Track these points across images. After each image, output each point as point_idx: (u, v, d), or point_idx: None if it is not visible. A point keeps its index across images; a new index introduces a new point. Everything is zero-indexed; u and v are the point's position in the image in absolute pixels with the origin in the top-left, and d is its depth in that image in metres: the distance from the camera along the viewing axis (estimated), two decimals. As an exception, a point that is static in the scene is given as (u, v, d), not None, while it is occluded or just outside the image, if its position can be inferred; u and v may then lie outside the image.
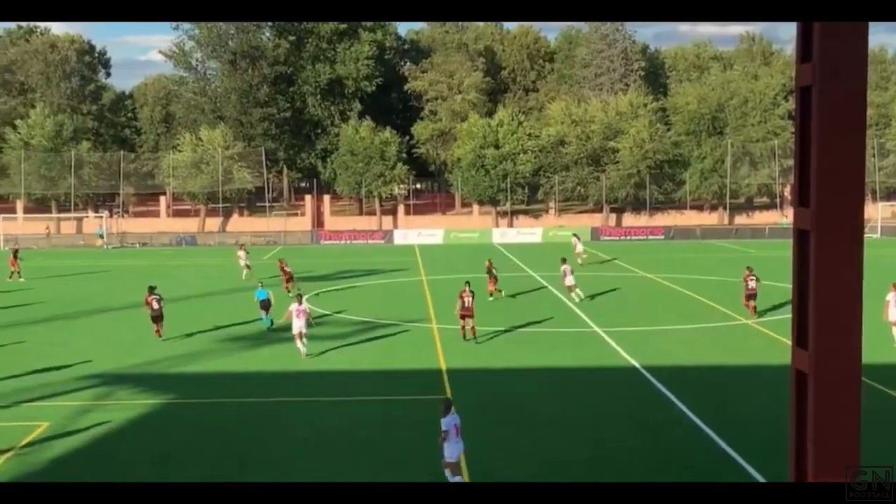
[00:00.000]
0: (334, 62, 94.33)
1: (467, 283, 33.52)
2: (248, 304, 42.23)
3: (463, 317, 32.23)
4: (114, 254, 71.44)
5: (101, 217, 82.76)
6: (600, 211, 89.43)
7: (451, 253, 67.61)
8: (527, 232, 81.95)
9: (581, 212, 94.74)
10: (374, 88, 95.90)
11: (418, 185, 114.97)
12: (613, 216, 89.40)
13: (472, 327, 32.22)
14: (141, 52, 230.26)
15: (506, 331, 34.64)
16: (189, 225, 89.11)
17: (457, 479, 16.84)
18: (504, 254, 65.92)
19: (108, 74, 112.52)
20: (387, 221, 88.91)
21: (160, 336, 33.04)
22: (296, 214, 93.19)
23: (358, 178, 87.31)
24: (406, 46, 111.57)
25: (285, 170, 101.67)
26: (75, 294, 45.88)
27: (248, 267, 50.53)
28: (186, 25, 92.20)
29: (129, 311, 40.03)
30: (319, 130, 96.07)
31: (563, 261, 42.55)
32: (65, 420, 22.80)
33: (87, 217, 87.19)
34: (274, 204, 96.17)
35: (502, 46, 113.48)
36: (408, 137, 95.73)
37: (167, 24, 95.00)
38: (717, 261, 60.03)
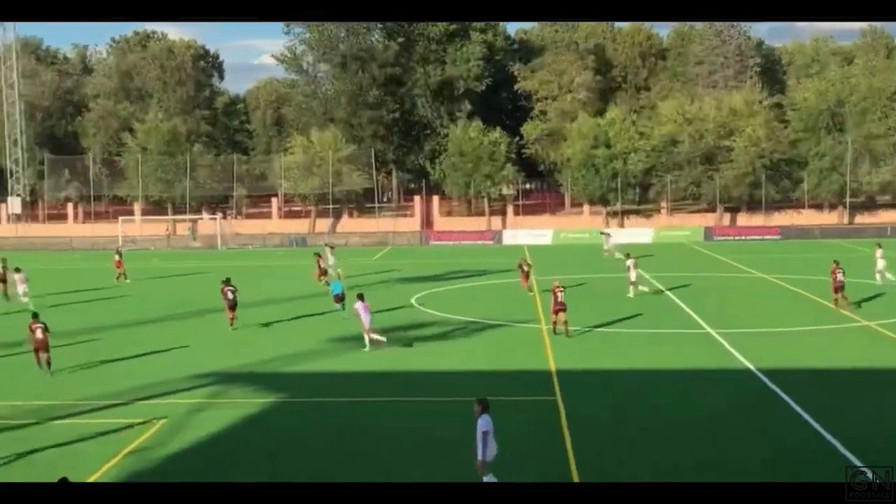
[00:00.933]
0: (444, 63, 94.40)
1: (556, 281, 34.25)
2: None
3: (556, 311, 32.91)
4: (227, 254, 72.69)
5: (197, 219, 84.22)
6: (714, 210, 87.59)
7: (560, 253, 66.99)
8: (638, 232, 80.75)
9: (694, 211, 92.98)
10: (483, 89, 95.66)
11: (527, 186, 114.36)
12: (728, 216, 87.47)
13: (565, 321, 32.74)
14: (254, 55, 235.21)
15: (618, 331, 34.08)
16: (300, 226, 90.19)
17: (490, 478, 16.62)
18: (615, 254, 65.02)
19: (222, 79, 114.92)
20: (496, 222, 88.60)
21: (233, 324, 35.58)
22: (405, 215, 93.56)
23: (467, 178, 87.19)
24: (515, 46, 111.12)
25: (394, 171, 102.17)
26: (189, 294, 46.67)
27: (323, 265, 50.68)
28: (298, 29, 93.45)
29: (241, 310, 40.58)
30: (428, 132, 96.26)
31: (628, 256, 43.80)
32: (180, 417, 23.16)
33: (201, 219, 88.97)
34: (383, 205, 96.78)
35: (613, 45, 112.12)
36: (517, 137, 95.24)
37: (279, 27, 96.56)
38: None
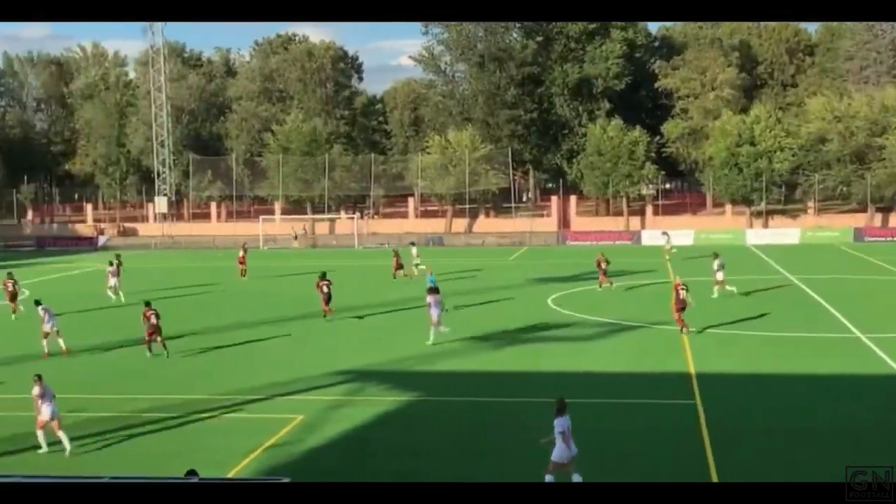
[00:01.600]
0: (583, 62, 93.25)
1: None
2: (490, 303, 42.14)
3: (679, 309, 32.73)
4: (364, 254, 73.20)
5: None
6: (864, 211, 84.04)
7: (701, 254, 65.17)
8: (783, 232, 78.12)
9: (843, 212, 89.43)
10: (623, 87, 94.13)
11: (667, 185, 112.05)
12: (879, 216, 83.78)
13: (681, 319, 32.85)
14: (392, 56, 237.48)
15: (760, 334, 32.83)
16: (436, 226, 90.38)
17: (548, 478, 16.82)
18: (758, 255, 63.07)
19: (361, 79, 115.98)
20: (634, 222, 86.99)
21: (326, 316, 37.54)
22: (542, 215, 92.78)
23: (605, 178, 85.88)
24: (657, 43, 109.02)
25: (531, 171, 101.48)
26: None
27: (415, 266, 50.96)
28: (436, 29, 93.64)
29: (378, 309, 40.76)
30: (566, 131, 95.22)
31: (716, 255, 43.04)
32: (318, 414, 23.24)
33: (339, 218, 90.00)
34: (520, 205, 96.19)
35: (759, 41, 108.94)
36: (657, 136, 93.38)
37: (417, 28, 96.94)
38: None
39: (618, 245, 76.34)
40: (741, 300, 40.87)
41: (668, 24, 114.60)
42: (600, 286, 45.56)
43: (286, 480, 14.30)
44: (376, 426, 22.38)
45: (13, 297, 40.58)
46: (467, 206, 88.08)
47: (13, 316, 39.68)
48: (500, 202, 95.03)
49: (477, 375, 27.68)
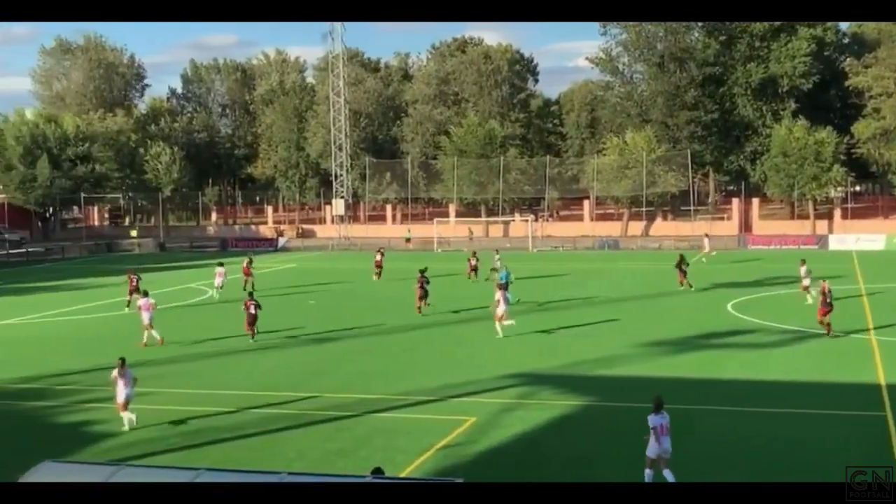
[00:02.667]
0: (768, 60, 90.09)
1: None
2: (668, 308, 41.08)
3: (824, 313, 32.69)
4: (536, 256, 72.66)
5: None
6: None
7: (894, 260, 61.87)
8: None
9: None
10: (810, 86, 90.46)
11: (857, 188, 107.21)
12: None
13: (828, 323, 32.59)
14: (569, 58, 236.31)
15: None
16: (612, 228, 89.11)
17: (648, 473, 17.33)
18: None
19: (536, 81, 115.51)
20: (821, 226, 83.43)
21: (420, 312, 39.47)
22: (721, 218, 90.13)
23: (790, 180, 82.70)
24: (846, 41, 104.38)
25: (711, 172, 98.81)
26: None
27: (491, 270, 49.91)
28: (615, 30, 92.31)
29: (553, 311, 40.29)
30: (749, 131, 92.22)
31: (803, 262, 42.55)
32: (490, 416, 23.00)
33: (513, 221, 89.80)
34: (699, 207, 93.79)
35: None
36: (847, 137, 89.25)
37: (594, 29, 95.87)
38: None
39: (802, 249, 73.27)
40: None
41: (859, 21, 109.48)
42: (689, 285, 46.31)
43: (459, 481, 14.04)
44: (549, 430, 21.98)
45: (133, 292, 41.89)
46: (644, 208, 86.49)
47: (126, 309, 41.61)
48: (679, 205, 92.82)
49: (653, 381, 26.79)
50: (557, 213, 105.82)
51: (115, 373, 22.67)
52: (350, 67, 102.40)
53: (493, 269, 49.63)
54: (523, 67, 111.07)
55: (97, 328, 38.65)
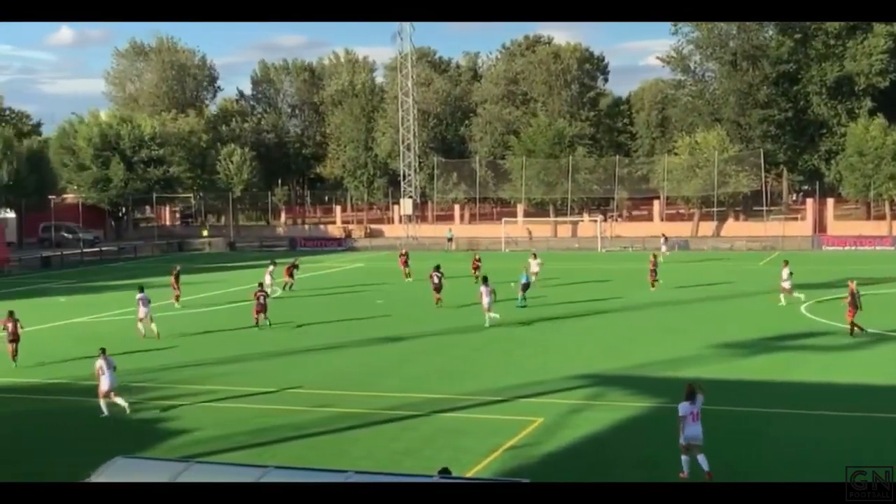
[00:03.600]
0: (843, 58, 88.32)
1: None
2: (739, 309, 40.45)
3: (854, 313, 32.67)
4: (605, 256, 72.06)
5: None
6: None
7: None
8: None
9: None
10: (887, 84, 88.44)
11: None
12: None
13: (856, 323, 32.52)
14: (639, 57, 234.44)
15: None
16: (682, 229, 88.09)
17: (683, 459, 18.00)
18: None
19: (606, 80, 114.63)
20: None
21: (438, 304, 41.40)
22: (795, 219, 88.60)
23: (866, 180, 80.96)
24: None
25: (785, 172, 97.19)
26: (569, 295, 46.37)
27: (533, 274, 48.60)
28: (686, 28, 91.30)
29: (622, 312, 39.91)
30: (824, 130, 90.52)
31: (786, 263, 42.46)
32: (558, 417, 22.83)
33: (582, 221, 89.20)
34: (772, 208, 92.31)
35: None
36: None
37: (666, 28, 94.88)
38: None
39: (878, 251, 71.81)
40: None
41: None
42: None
43: (526, 481, 13.93)
44: (617, 432, 21.74)
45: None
46: (715, 208, 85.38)
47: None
48: (751, 205, 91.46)
49: (724, 383, 26.32)
50: (632, 213, 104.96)
51: (99, 363, 23.93)
52: (419, 67, 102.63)
53: (534, 273, 48.98)
54: (593, 66, 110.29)
55: (167, 326, 39.10)
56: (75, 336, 36.69)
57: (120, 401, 23.75)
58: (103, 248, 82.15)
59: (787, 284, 41.47)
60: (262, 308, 37.69)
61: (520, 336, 34.84)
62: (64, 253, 76.25)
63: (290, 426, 22.34)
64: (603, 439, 21.18)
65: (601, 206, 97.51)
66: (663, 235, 72.30)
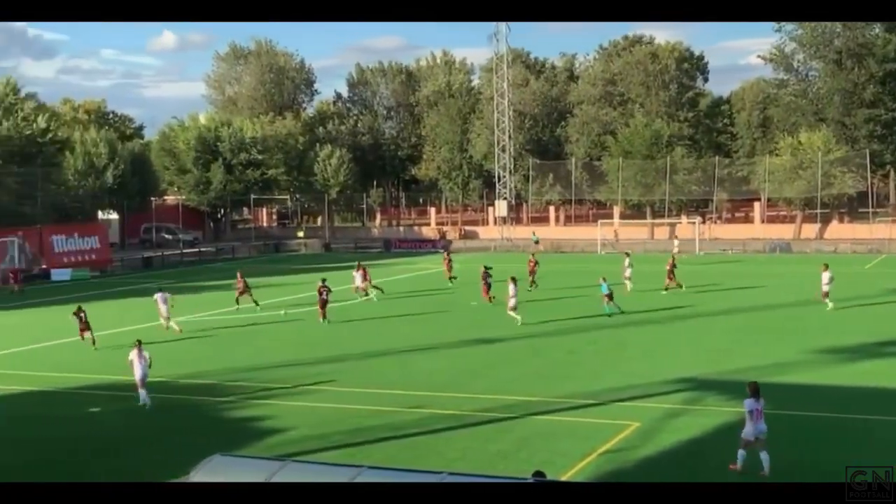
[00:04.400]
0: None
1: None
2: (845, 314, 39.37)
3: None
4: (703, 259, 70.72)
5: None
6: None
7: None
8: None
9: None
10: None
11: None
12: None
13: None
14: (740, 56, 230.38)
15: None
16: (783, 231, 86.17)
17: (740, 454, 18.49)
18: None
19: (706, 80, 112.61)
20: None
21: (490, 301, 43.11)
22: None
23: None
24: None
25: (892, 173, 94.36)
26: (665, 298, 45.62)
27: (627, 280, 47.65)
28: (789, 27, 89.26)
29: (721, 316, 39.19)
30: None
31: (826, 266, 41.18)
32: (654, 422, 22.46)
33: (679, 223, 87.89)
34: (878, 210, 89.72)
35: None
36: None
37: (768, 26, 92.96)
38: None
39: None
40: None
41: None
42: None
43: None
44: (716, 438, 21.17)
45: (244, 292, 44.25)
46: (818, 210, 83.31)
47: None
48: (856, 207, 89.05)
49: (827, 389, 25.70)
50: (734, 214, 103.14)
51: (132, 354, 25.25)
52: (515, 69, 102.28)
53: (628, 279, 48.28)
54: (692, 66, 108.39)
55: (265, 326, 39.58)
56: (174, 334, 37.28)
57: (143, 393, 25.03)
58: (202, 249, 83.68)
59: (825, 288, 40.38)
60: (324, 304, 39.38)
61: (617, 338, 34.40)
62: (164, 253, 77.88)
63: (385, 427, 22.32)
64: (700, 445, 20.71)
65: (699, 207, 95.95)
66: (676, 237, 70.01)
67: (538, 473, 13.51)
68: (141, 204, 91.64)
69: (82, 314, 35.00)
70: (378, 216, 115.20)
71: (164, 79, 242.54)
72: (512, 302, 38.00)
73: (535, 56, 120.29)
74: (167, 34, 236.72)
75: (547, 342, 33.85)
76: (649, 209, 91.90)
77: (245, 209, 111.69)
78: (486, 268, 45.32)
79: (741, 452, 18.47)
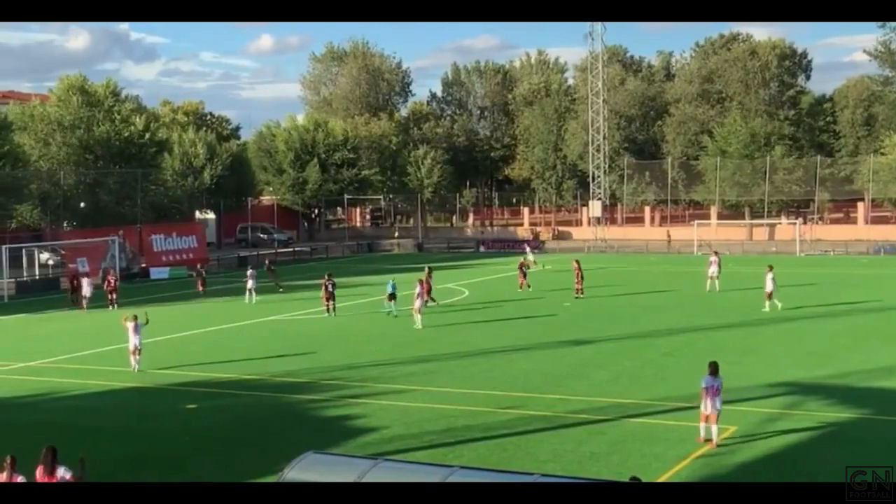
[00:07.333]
0: None
1: None
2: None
3: None
4: (804, 261, 69.22)
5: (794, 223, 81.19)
6: None
7: None
8: None
9: None
10: None
11: None
12: None
13: None
14: (845, 53, 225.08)
15: None
16: (888, 233, 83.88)
17: (714, 428, 20.29)
18: None
19: (808, 78, 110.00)
20: None
21: (522, 289, 47.50)
22: None
23: None
24: None
25: None
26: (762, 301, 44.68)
27: (714, 278, 47.32)
28: (894, 23, 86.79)
29: (821, 319, 38.24)
30: None
31: (770, 268, 42.43)
32: (752, 426, 21.97)
33: (779, 223, 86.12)
34: None
35: None
36: None
37: (873, 22, 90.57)
38: None
39: None
40: None
41: None
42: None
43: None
44: (815, 443, 20.73)
45: (330, 298, 42.26)
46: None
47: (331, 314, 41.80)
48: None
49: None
50: (823, 216, 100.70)
51: (128, 324, 29.36)
52: (611, 67, 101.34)
53: (715, 278, 47.55)
54: (794, 63, 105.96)
55: (358, 325, 39.86)
56: (269, 333, 37.75)
57: (135, 360, 29.47)
58: (296, 249, 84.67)
59: (769, 287, 40.34)
60: (330, 297, 41.34)
61: (715, 340, 33.76)
62: (259, 253, 78.89)
63: (477, 427, 22.23)
64: (799, 450, 20.23)
65: (800, 208, 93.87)
66: (712, 248, 62.85)
67: (633, 479, 13.34)
68: (237, 204, 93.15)
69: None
70: (471, 216, 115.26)
71: (259, 80, 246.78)
72: (416, 304, 38.36)
73: (632, 54, 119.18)
74: (265, 37, 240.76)
75: (640, 343, 33.42)
76: (748, 209, 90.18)
77: (339, 209, 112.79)
78: (521, 265, 50.12)
79: (702, 426, 20.42)
